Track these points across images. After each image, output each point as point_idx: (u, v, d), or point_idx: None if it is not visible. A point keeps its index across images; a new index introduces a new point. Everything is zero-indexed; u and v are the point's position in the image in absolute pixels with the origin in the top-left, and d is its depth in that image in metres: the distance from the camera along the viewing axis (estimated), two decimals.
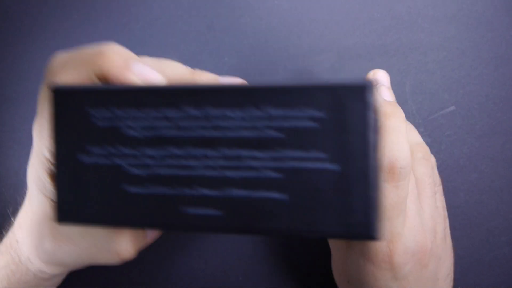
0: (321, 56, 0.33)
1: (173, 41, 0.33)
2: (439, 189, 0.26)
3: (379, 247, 0.22)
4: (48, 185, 0.21)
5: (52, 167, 0.21)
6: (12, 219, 0.26)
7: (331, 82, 0.16)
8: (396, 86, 0.32)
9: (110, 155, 0.18)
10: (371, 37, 0.32)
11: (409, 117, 0.32)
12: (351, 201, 0.16)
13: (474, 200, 0.32)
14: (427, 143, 0.32)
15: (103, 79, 0.19)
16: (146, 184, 0.17)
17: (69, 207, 0.18)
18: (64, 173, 0.18)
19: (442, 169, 0.32)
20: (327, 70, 0.33)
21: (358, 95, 0.15)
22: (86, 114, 0.18)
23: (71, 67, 0.20)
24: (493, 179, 0.32)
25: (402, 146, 0.21)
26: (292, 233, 0.16)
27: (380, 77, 0.28)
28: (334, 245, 0.27)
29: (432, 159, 0.26)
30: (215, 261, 0.33)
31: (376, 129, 0.15)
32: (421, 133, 0.32)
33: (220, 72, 0.33)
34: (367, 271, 0.23)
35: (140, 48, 0.34)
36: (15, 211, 0.25)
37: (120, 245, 0.22)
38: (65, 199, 0.18)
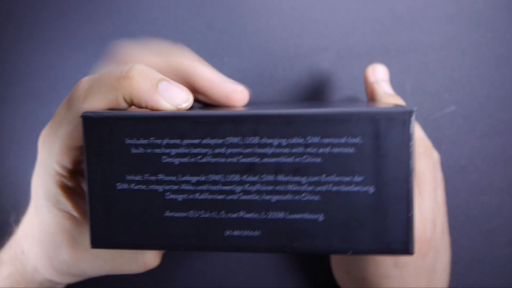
0: (321, 56, 0.33)
1: (173, 41, 0.33)
2: (440, 185, 0.27)
3: None
4: (61, 199, 0.21)
5: (64, 180, 0.22)
6: (13, 227, 0.25)
7: (372, 111, 0.16)
8: (396, 86, 0.32)
9: (148, 182, 0.18)
10: (371, 37, 0.32)
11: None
12: (388, 221, 0.17)
13: (474, 200, 0.32)
14: None
15: (131, 103, 0.19)
16: (184, 208, 0.18)
17: (105, 233, 0.18)
18: (99, 200, 0.18)
19: (443, 169, 0.32)
20: (327, 70, 0.33)
21: (400, 125, 0.16)
22: (123, 142, 0.18)
23: (97, 92, 0.19)
24: (494, 179, 0.32)
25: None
26: (327, 251, 0.17)
27: (379, 72, 0.28)
28: None
29: (435, 155, 0.27)
30: (215, 261, 0.33)
31: (413, 155, 0.16)
32: None
33: (220, 72, 0.33)
34: (368, 258, 0.23)
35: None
36: (17, 219, 0.25)
37: (147, 254, 0.23)
38: (100, 224, 0.18)
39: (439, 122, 0.32)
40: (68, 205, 0.22)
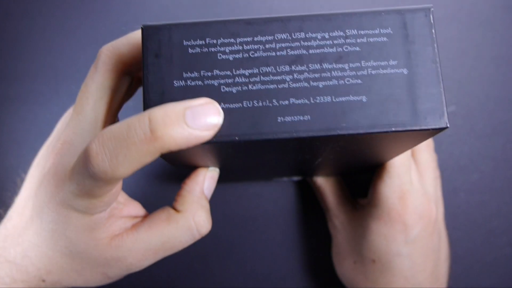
0: None
1: None
2: (438, 179, 0.28)
3: (392, 204, 0.24)
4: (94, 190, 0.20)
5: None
6: None
7: (397, 8, 0.19)
8: None
9: (204, 77, 0.19)
10: None
11: None
12: (422, 97, 0.19)
13: (474, 200, 0.32)
14: None
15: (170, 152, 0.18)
16: (239, 99, 0.19)
17: None
18: (155, 98, 0.19)
19: (443, 169, 0.32)
20: None
21: (422, 16, 0.19)
22: (181, 44, 0.19)
23: (126, 161, 0.18)
24: (494, 179, 0.32)
25: None
26: (372, 129, 0.19)
27: None
28: (341, 224, 0.28)
29: (434, 154, 0.28)
30: (215, 261, 0.33)
31: (436, 40, 0.19)
32: None
33: None
34: (380, 235, 0.24)
35: None
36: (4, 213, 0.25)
37: (200, 218, 0.23)
38: None
39: None
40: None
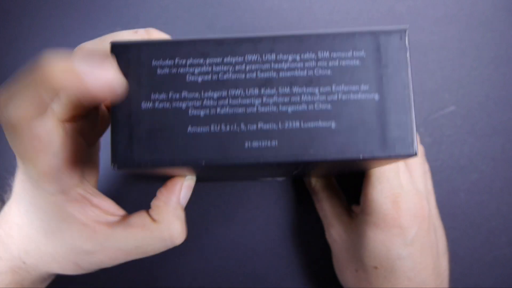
0: None
1: None
2: (428, 173, 0.29)
3: (386, 209, 0.24)
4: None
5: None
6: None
7: (372, 29, 0.18)
8: None
9: (172, 100, 0.19)
10: None
11: None
12: (393, 125, 0.18)
13: (474, 200, 0.32)
14: (427, 143, 0.32)
15: (56, 95, 0.18)
16: (206, 123, 0.19)
17: (128, 153, 0.19)
18: (122, 120, 0.19)
19: (442, 169, 0.32)
20: None
21: (397, 38, 0.18)
22: (149, 64, 0.19)
23: (17, 98, 0.18)
24: (494, 179, 0.32)
25: None
26: (340, 156, 0.18)
27: None
28: (337, 234, 0.28)
29: (421, 147, 0.29)
30: (215, 261, 0.33)
31: (410, 65, 0.18)
32: (421, 133, 0.32)
33: None
34: (378, 242, 0.24)
35: None
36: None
37: (174, 228, 0.23)
38: (123, 144, 0.19)
39: (439, 122, 0.32)
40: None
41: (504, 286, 0.32)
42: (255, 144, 0.19)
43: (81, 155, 0.23)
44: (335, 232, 0.28)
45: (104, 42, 0.20)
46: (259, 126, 0.19)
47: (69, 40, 0.34)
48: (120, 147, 0.19)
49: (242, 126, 0.19)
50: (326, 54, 0.19)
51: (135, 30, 0.21)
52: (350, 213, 0.28)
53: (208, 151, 0.19)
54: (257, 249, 0.33)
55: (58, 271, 0.24)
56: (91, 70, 0.17)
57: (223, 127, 0.19)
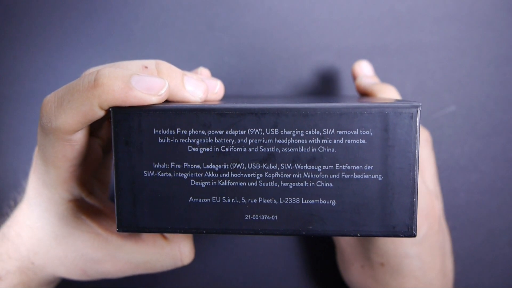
0: (322, 56, 0.33)
1: (173, 41, 0.33)
2: (437, 175, 0.29)
3: None
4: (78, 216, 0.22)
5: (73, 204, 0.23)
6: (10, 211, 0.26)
7: (382, 105, 0.18)
8: (396, 86, 0.32)
9: (173, 170, 0.19)
10: (371, 37, 0.32)
11: None
12: (394, 206, 0.18)
13: (475, 201, 0.32)
14: None
15: (108, 107, 0.19)
16: (208, 195, 0.19)
17: (131, 217, 0.20)
18: (126, 186, 0.19)
19: (443, 169, 0.32)
20: (327, 70, 0.33)
21: (408, 118, 0.18)
22: (151, 133, 0.19)
23: (69, 108, 0.19)
24: (494, 180, 0.32)
25: None
26: (338, 233, 0.18)
27: (364, 68, 0.30)
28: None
29: (429, 138, 0.29)
30: (215, 261, 0.33)
31: (418, 146, 0.18)
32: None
33: (220, 72, 0.33)
34: (386, 239, 0.24)
35: (140, 48, 0.34)
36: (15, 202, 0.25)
37: (184, 249, 0.24)
38: (127, 209, 0.20)
39: (439, 122, 0.32)
40: (87, 221, 0.23)
41: (504, 286, 0.32)
42: (255, 217, 0.19)
43: (98, 164, 0.24)
44: None
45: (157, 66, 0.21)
46: (259, 200, 0.19)
47: (69, 40, 0.34)
48: (124, 212, 0.19)
49: (243, 199, 0.19)
50: (332, 131, 0.18)
51: (145, 64, 0.21)
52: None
53: (208, 221, 0.19)
54: (257, 248, 0.33)
55: (64, 275, 0.24)
56: (143, 84, 0.18)
57: (223, 199, 0.19)
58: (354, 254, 0.27)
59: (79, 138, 0.20)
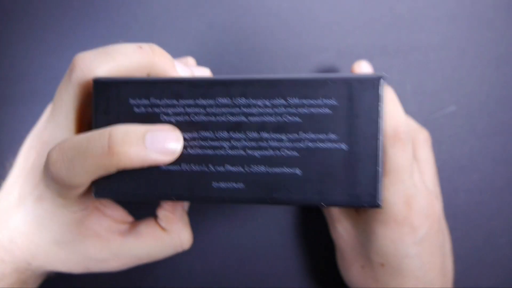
0: (321, 56, 0.33)
1: (173, 41, 0.33)
2: (437, 175, 0.29)
3: (397, 210, 0.24)
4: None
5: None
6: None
7: (346, 76, 0.18)
8: (396, 86, 0.32)
9: None
10: (371, 37, 0.32)
11: (410, 117, 0.32)
12: (359, 175, 0.18)
13: (475, 201, 0.32)
14: None
15: (146, 72, 0.20)
16: (178, 162, 0.20)
17: (107, 184, 0.20)
18: None
19: (443, 169, 0.32)
20: (327, 70, 0.33)
21: (371, 87, 0.18)
22: (127, 102, 0.20)
23: (83, 172, 0.19)
24: (494, 180, 0.32)
25: (400, 113, 0.23)
26: (304, 202, 0.19)
27: (364, 68, 0.30)
28: (344, 229, 0.28)
29: (430, 140, 0.29)
30: (215, 261, 0.33)
31: (383, 115, 0.18)
32: None
33: (220, 72, 0.33)
34: (387, 239, 0.24)
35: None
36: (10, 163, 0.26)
37: (184, 235, 0.24)
38: (104, 176, 0.20)
39: (439, 122, 0.32)
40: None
41: (504, 286, 0.32)
42: (223, 185, 0.19)
43: None
44: (342, 227, 0.28)
45: (107, 55, 0.21)
46: (226, 168, 0.19)
47: (69, 40, 0.34)
48: (100, 179, 0.20)
49: (211, 166, 0.19)
50: (296, 100, 0.19)
51: (140, 44, 0.21)
52: (357, 209, 0.28)
53: (178, 188, 0.20)
54: (257, 248, 0.33)
55: (65, 271, 0.24)
56: (158, 144, 0.19)
57: (193, 166, 0.20)
58: (354, 254, 0.27)
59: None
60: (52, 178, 0.20)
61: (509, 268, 0.32)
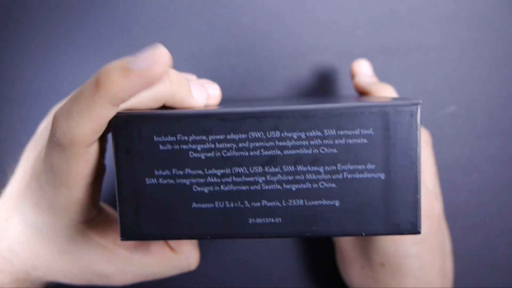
0: (321, 56, 0.33)
1: (173, 41, 0.33)
2: (436, 175, 0.29)
3: None
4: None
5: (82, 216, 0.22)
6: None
7: (382, 104, 0.18)
8: (396, 86, 0.32)
9: (175, 176, 0.19)
10: (371, 37, 0.32)
11: None
12: (397, 204, 0.18)
13: (475, 201, 0.32)
14: None
15: (120, 103, 0.18)
16: (211, 200, 0.19)
17: (135, 225, 0.19)
18: (128, 194, 0.19)
19: (443, 169, 0.32)
20: (327, 70, 0.33)
21: (408, 116, 0.18)
22: (151, 140, 0.19)
23: (80, 117, 0.18)
24: (494, 180, 0.32)
25: None
26: (343, 234, 0.19)
27: (363, 67, 0.29)
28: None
29: (430, 138, 0.29)
30: (215, 261, 0.33)
31: (420, 143, 0.18)
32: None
33: (220, 72, 0.33)
34: (387, 239, 0.24)
35: (140, 48, 0.34)
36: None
37: (191, 255, 0.24)
38: (130, 218, 0.19)
39: (439, 122, 0.32)
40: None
41: (504, 286, 0.32)
42: (259, 220, 0.19)
43: (103, 176, 0.23)
44: None
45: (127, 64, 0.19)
46: (263, 203, 0.19)
47: (69, 40, 0.34)
48: (127, 221, 0.19)
49: (246, 203, 0.19)
50: (333, 132, 0.18)
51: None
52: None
53: (212, 226, 0.19)
54: (257, 248, 0.33)
55: (65, 282, 0.24)
56: (144, 64, 0.17)
57: (227, 203, 0.19)
58: (354, 254, 0.27)
59: (93, 151, 0.20)
60: (56, 140, 0.19)
61: (509, 268, 0.32)
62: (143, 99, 0.19)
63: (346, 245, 0.27)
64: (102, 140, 0.21)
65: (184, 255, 0.24)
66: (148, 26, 0.33)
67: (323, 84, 0.33)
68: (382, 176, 0.18)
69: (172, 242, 0.24)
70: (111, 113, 0.18)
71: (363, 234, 0.18)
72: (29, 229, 0.22)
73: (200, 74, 0.26)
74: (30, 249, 0.22)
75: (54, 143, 0.19)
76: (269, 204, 0.19)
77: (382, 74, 0.32)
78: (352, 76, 0.30)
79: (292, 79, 0.33)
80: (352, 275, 0.27)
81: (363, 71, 0.29)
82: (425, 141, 0.28)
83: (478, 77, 0.32)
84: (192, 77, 0.25)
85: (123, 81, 0.17)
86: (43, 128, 0.25)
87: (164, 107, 0.21)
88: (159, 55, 0.17)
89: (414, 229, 0.18)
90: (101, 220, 0.23)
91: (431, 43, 0.32)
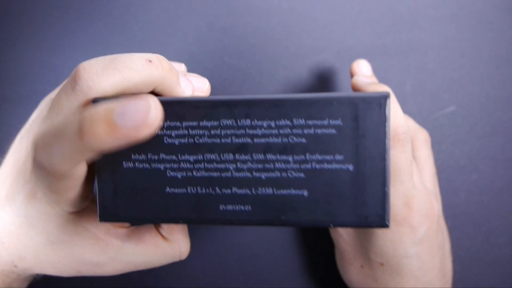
0: (321, 56, 0.33)
1: (173, 41, 0.33)
2: (436, 176, 0.29)
3: (397, 210, 0.24)
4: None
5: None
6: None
7: (351, 95, 0.18)
8: (396, 86, 0.32)
9: (151, 161, 0.20)
10: (371, 37, 0.32)
11: (410, 117, 0.32)
12: (367, 196, 0.18)
13: (474, 200, 0.32)
14: None
15: (102, 151, 0.18)
16: (184, 185, 0.19)
17: (112, 208, 0.20)
18: (107, 178, 0.20)
19: (443, 169, 0.32)
20: (327, 70, 0.33)
21: (377, 107, 0.18)
22: None
23: (60, 156, 0.18)
24: (494, 179, 0.32)
25: (399, 114, 0.23)
26: (311, 224, 0.19)
27: (363, 67, 0.29)
28: (343, 232, 0.28)
29: (428, 137, 0.29)
30: (215, 261, 0.33)
31: (389, 135, 0.18)
32: None
33: (220, 72, 0.33)
34: (386, 239, 0.24)
35: (140, 48, 0.34)
36: None
37: (182, 243, 0.24)
38: (108, 200, 0.20)
39: (439, 122, 0.32)
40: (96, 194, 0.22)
41: (504, 286, 0.32)
42: (230, 207, 0.19)
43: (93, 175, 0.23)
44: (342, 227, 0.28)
45: (114, 69, 0.20)
46: (233, 190, 0.19)
47: (69, 40, 0.34)
48: (105, 202, 0.20)
49: (217, 189, 0.19)
50: (302, 121, 0.18)
51: (148, 57, 0.20)
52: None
53: (185, 211, 0.20)
54: (257, 248, 0.33)
55: (53, 274, 0.24)
56: (132, 123, 0.16)
57: (199, 189, 0.19)
58: (353, 254, 0.27)
59: (79, 172, 0.20)
60: (38, 166, 0.19)
61: (509, 268, 0.32)
62: (135, 83, 0.20)
63: (345, 244, 0.27)
64: None
65: (176, 244, 0.24)
66: (148, 26, 0.33)
67: (323, 84, 0.33)
68: (351, 167, 0.18)
69: (164, 231, 0.24)
70: (92, 156, 0.18)
71: (331, 225, 0.19)
72: (20, 217, 0.22)
73: (200, 74, 0.26)
74: (18, 240, 0.22)
75: (35, 164, 0.19)
76: (239, 191, 0.19)
77: (381, 74, 0.32)
78: (352, 76, 0.30)
79: (292, 79, 0.33)
80: (351, 274, 0.27)
81: (363, 71, 0.29)
82: (424, 141, 0.28)
83: (478, 77, 0.32)
84: (181, 67, 0.25)
85: (107, 138, 0.16)
86: (35, 117, 0.25)
87: (153, 93, 0.21)
88: (148, 112, 0.16)
89: (382, 222, 0.18)
90: (93, 210, 0.23)
91: (431, 43, 0.32)
